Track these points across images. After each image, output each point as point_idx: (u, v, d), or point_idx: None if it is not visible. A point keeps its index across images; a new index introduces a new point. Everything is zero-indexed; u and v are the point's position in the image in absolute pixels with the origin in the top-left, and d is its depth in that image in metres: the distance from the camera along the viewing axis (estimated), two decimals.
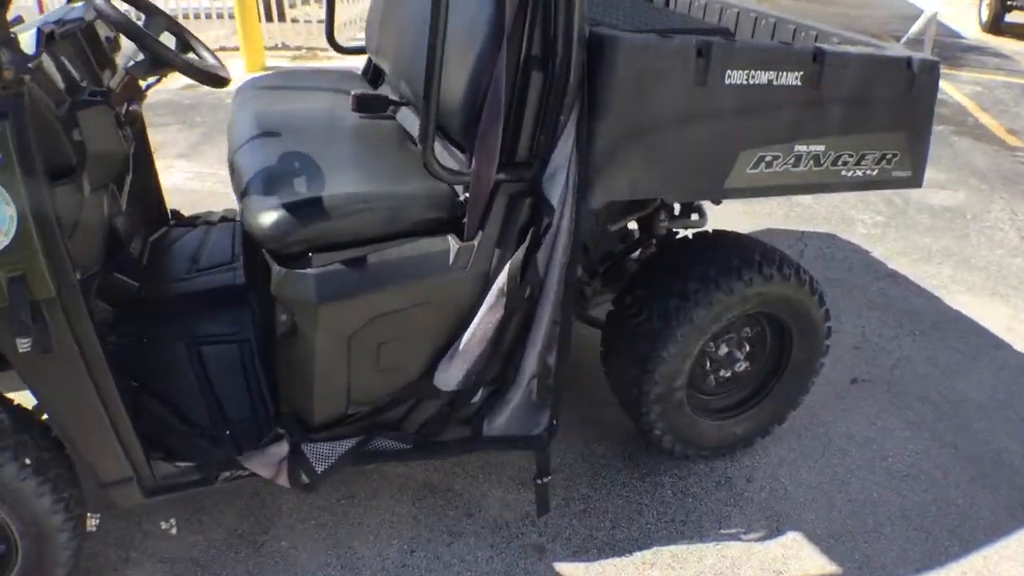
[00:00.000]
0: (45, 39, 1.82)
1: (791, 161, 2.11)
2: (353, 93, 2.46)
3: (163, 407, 2.17)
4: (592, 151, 1.85)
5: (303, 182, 1.97)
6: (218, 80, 1.93)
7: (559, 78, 1.79)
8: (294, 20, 7.31)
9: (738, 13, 2.87)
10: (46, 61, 1.89)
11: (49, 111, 1.74)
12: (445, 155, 2.12)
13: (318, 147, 2.20)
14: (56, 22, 2.05)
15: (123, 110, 1.97)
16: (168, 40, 2.14)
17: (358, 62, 3.17)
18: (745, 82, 1.95)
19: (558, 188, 1.85)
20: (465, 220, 1.90)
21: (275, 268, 1.88)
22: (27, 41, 1.78)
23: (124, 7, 2.30)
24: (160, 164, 5.18)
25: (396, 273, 1.89)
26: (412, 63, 2.37)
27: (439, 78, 1.71)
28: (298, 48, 7.21)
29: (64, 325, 1.70)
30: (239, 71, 6.77)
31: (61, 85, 1.93)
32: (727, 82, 1.93)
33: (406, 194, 1.95)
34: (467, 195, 1.89)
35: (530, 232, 1.91)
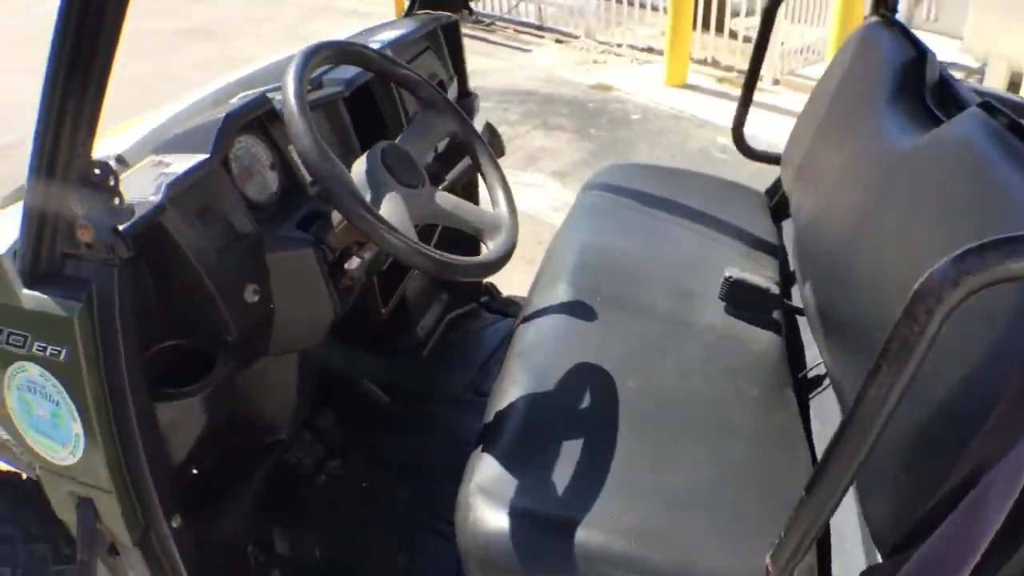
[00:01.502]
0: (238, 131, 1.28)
1: None
2: (727, 274, 1.64)
3: None
4: None
5: (566, 468, 1.24)
6: (469, 272, 1.29)
7: None
8: (732, 35, 6.47)
9: None
10: (246, 154, 1.35)
11: (203, 259, 1.19)
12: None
13: (636, 368, 1.45)
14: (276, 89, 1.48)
15: (353, 255, 1.35)
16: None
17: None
18: None
19: None
20: None
21: None
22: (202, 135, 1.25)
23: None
24: (530, 177, 4.80)
25: None
26: (826, 262, 1.48)
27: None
28: (728, 69, 6.33)
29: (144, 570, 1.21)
30: (657, 81, 6.14)
31: (262, 196, 1.35)
32: None
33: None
34: None
35: None
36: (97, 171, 0.97)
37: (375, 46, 1.80)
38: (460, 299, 2.39)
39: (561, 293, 1.63)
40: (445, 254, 1.21)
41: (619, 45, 7.10)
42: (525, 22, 7.91)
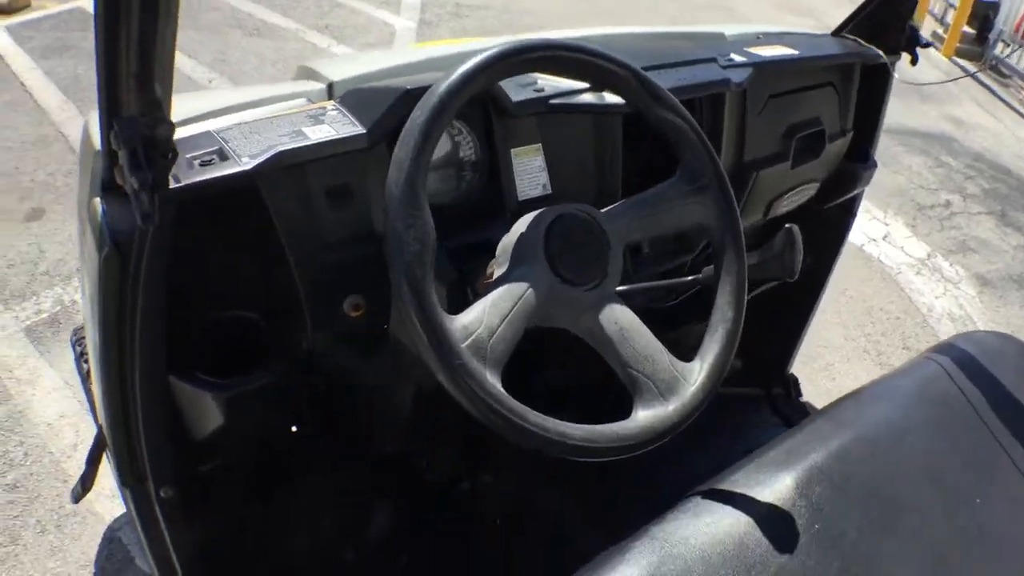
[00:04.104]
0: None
1: None
2: None
3: None
4: None
5: None
6: (580, 450, 0.89)
7: None
8: None
9: None
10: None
11: (301, 247, 1.01)
12: None
13: None
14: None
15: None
16: None
17: None
18: None
19: None
20: None
21: None
22: None
23: None
24: (950, 268, 4.13)
25: None
26: None
27: None
28: None
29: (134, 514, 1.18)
30: None
31: (438, 196, 1.10)
32: None
33: None
34: None
35: None
36: (142, 115, 0.77)
37: (762, 53, 1.44)
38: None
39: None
40: (537, 420, 0.85)
41: None
42: None
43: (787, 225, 1.13)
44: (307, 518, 1.60)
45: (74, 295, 2.72)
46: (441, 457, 1.68)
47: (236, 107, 1.08)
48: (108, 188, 0.90)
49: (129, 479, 1.11)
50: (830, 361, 3.04)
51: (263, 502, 1.52)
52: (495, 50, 0.93)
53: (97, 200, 0.90)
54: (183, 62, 4.36)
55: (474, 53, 0.93)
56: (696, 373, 0.98)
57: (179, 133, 0.81)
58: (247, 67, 4.54)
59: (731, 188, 1.07)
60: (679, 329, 1.26)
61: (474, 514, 1.71)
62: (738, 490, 1.09)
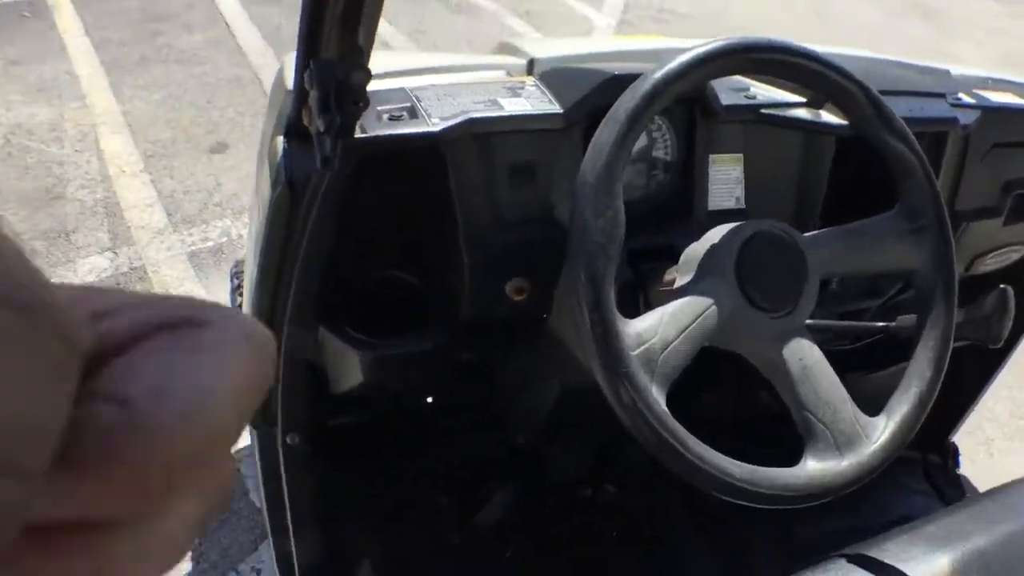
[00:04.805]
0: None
1: None
2: None
3: None
4: None
5: None
6: (744, 493, 0.83)
7: None
8: None
9: None
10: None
11: (473, 222, 0.98)
12: None
13: None
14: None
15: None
16: None
17: None
18: None
19: None
20: None
21: None
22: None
23: None
24: None
25: None
26: None
27: None
28: None
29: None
30: None
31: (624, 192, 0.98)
32: None
33: None
34: None
35: None
36: (341, 60, 0.76)
37: (991, 97, 1.32)
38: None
39: None
40: (697, 449, 0.79)
41: None
42: None
43: (1002, 286, 1.02)
44: (422, 491, 1.60)
45: (242, 230, 2.83)
46: (570, 459, 1.64)
47: (434, 69, 1.08)
48: (293, 129, 0.90)
49: (259, 420, 1.12)
50: (991, 436, 2.80)
51: (383, 466, 1.52)
52: (721, 42, 0.87)
53: (280, 139, 0.92)
54: (382, 27, 4.49)
55: (694, 45, 0.87)
56: (879, 431, 0.90)
57: (373, 85, 0.80)
58: (443, 42, 4.61)
59: (952, 235, 0.97)
60: (847, 376, 1.20)
61: (589, 521, 1.66)
62: (887, 560, 1.00)
